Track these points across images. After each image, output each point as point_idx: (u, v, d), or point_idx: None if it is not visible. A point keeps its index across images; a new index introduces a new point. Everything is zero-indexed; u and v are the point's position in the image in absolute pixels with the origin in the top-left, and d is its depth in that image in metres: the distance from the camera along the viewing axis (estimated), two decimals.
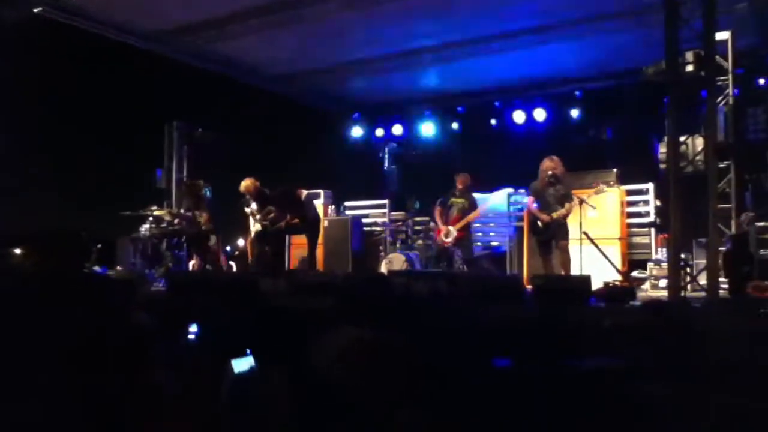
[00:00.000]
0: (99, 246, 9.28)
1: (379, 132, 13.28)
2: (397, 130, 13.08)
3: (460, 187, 9.15)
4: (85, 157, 9.30)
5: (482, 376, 2.71)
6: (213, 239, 9.53)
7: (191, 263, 9.50)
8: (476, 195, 10.97)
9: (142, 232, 9.38)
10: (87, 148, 9.32)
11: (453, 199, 9.08)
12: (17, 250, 8.58)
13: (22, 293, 3.39)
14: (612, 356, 3.07)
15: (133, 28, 9.49)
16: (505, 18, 9.09)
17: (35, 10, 8.32)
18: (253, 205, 9.43)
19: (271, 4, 8.66)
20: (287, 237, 10.09)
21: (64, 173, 9.16)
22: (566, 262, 7.78)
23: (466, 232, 9.05)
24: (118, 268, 9.35)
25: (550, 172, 7.93)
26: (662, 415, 2.32)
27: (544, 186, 7.99)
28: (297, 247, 11.50)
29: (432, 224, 9.79)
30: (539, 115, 11.80)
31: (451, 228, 8.87)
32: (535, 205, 8.06)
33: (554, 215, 7.82)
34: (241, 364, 2.63)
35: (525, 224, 9.19)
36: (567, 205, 7.87)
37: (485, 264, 10.09)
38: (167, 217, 9.45)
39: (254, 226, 9.50)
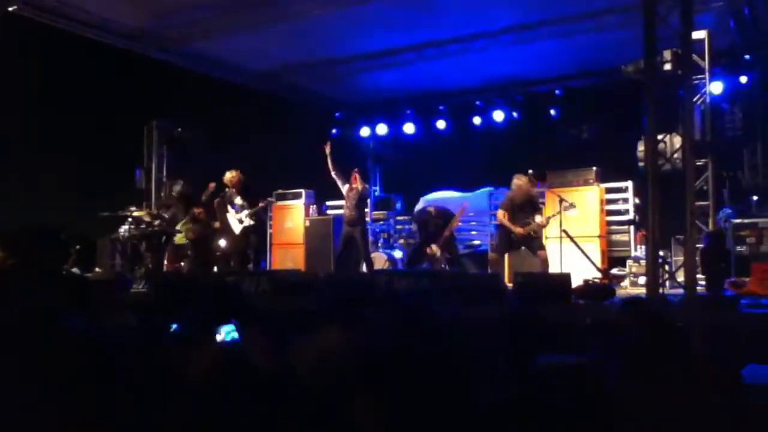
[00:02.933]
0: (78, 247, 9.19)
1: (363, 131, 13.27)
2: (381, 129, 13.08)
3: (436, 210, 9.18)
4: (64, 156, 9.21)
5: (459, 373, 2.72)
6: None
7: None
8: (456, 194, 11.02)
9: (122, 233, 9.31)
10: (66, 148, 9.23)
11: (430, 223, 9.10)
12: None
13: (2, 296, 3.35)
14: (589, 352, 3.11)
15: (112, 26, 9.37)
16: (485, 17, 9.11)
17: (9, 9, 8.21)
18: (237, 199, 9.37)
19: (252, 2, 8.61)
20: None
21: (42, 173, 9.06)
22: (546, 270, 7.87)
23: (449, 238, 9.08)
24: (97, 269, 9.27)
25: (521, 193, 8.03)
26: (632, 410, 2.35)
27: (515, 201, 8.06)
28: (279, 247, 11.49)
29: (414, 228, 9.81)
30: (519, 114, 11.86)
31: (435, 248, 8.87)
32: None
33: (528, 228, 7.90)
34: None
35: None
36: (539, 218, 7.96)
37: (466, 263, 10.13)
38: (146, 218, 9.38)
39: (236, 222, 9.43)
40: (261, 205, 9.49)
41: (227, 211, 9.43)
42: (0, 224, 8.48)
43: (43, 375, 2.22)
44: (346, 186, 9.14)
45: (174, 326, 2.87)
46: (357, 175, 9.04)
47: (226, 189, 9.43)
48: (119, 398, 2.11)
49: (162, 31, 9.55)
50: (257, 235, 9.68)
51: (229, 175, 9.26)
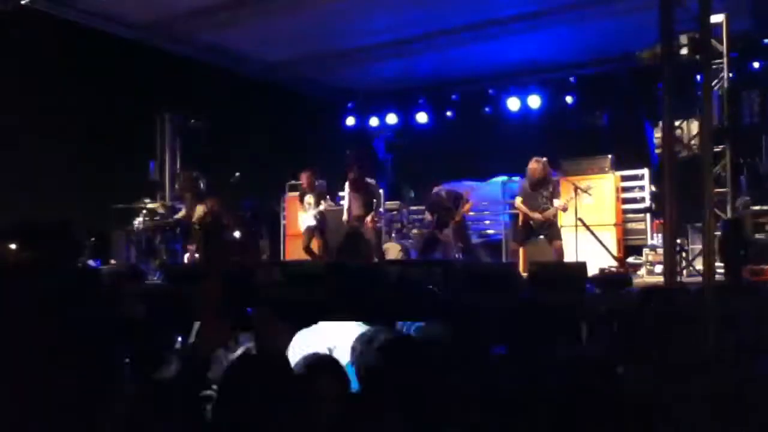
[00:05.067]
0: (93, 239, 9.24)
1: (374, 121, 13.21)
2: (392, 119, 13.01)
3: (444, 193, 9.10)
4: (78, 149, 9.24)
5: (476, 363, 2.69)
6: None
7: (186, 256, 9.45)
8: (469, 183, 10.93)
9: (136, 225, 9.34)
10: (79, 140, 9.26)
11: (440, 204, 9.02)
12: (11, 244, 8.54)
13: (15, 287, 3.36)
14: (604, 342, 3.06)
15: (123, 18, 9.39)
16: (498, 4, 9.03)
17: (22, 2, 8.23)
18: (309, 197, 9.51)
19: None
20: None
21: (56, 166, 9.10)
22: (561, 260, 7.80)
23: (460, 223, 9.02)
24: (112, 261, 9.31)
25: (537, 175, 7.94)
26: (644, 401, 2.30)
27: (532, 186, 7.99)
28: (292, 238, 11.48)
29: (427, 214, 9.73)
30: (534, 101, 11.75)
31: (447, 234, 8.80)
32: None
33: (546, 214, 7.83)
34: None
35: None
36: (557, 203, 7.88)
37: (480, 253, 10.07)
38: (161, 210, 9.41)
39: (303, 220, 9.58)
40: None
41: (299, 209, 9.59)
42: (13, 218, 8.52)
43: (52, 367, 2.22)
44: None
45: (179, 340, 2.86)
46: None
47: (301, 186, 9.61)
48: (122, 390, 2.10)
49: (172, 23, 9.54)
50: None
51: (303, 176, 9.53)
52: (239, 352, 2.94)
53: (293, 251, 11.20)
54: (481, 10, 9.23)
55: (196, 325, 2.72)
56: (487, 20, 9.56)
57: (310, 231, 9.54)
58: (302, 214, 9.69)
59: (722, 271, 6.12)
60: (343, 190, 9.41)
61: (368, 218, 8.74)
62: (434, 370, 2.54)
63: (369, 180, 9.08)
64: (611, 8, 8.77)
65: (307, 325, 3.49)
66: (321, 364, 2.43)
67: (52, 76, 8.73)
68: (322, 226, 9.45)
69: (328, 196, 9.65)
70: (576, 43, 10.33)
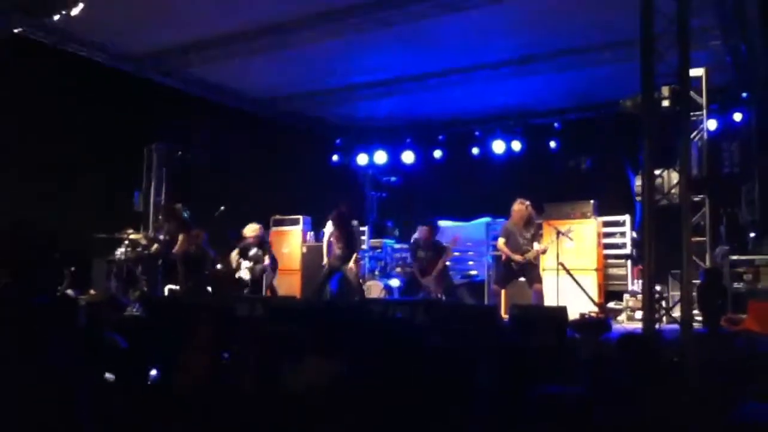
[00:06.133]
0: (73, 269, 9.14)
1: (361, 159, 13.31)
2: (379, 157, 13.12)
3: (425, 238, 9.11)
4: (62, 177, 9.20)
5: (455, 401, 2.70)
6: (219, 266, 9.47)
7: (167, 288, 9.37)
8: (453, 224, 11.00)
9: (118, 255, 9.28)
10: (64, 169, 9.23)
11: (419, 253, 9.05)
12: None
13: None
14: (582, 385, 3.08)
15: (114, 50, 9.47)
16: (485, 49, 9.21)
17: (15, 31, 8.28)
18: (253, 251, 9.45)
19: (253, 30, 8.70)
20: None
21: (40, 193, 9.04)
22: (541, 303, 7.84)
23: (442, 271, 9.04)
24: (92, 291, 9.21)
25: (521, 217, 8.05)
26: None
27: (515, 228, 8.07)
28: (283, 273, 11.44)
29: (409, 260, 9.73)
30: (518, 145, 11.91)
31: (428, 280, 8.83)
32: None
33: (527, 256, 7.90)
34: None
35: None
36: (537, 246, 7.96)
37: (463, 293, 10.09)
38: (143, 241, 9.36)
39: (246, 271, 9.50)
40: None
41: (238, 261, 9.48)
42: None
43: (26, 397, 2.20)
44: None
45: (153, 373, 2.84)
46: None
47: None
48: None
49: (161, 56, 9.64)
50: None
51: (251, 229, 9.39)
52: None
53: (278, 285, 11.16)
54: (469, 54, 9.41)
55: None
56: (474, 65, 9.74)
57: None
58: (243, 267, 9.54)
59: (700, 319, 6.19)
60: (324, 227, 9.41)
61: (352, 264, 8.83)
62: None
63: (352, 222, 9.14)
64: (596, 57, 8.97)
65: (291, 360, 3.47)
66: None
67: (40, 103, 8.74)
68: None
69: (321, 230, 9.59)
70: (561, 90, 10.54)
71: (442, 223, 11.20)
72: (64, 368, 2.57)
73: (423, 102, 11.34)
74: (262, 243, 9.55)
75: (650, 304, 5.44)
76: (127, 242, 9.30)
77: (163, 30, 8.85)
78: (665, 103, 7.02)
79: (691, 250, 5.72)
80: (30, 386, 2.29)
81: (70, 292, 8.58)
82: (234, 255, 9.47)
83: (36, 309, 3.30)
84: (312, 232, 11.72)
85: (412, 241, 9.36)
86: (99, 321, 4.63)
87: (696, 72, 7.34)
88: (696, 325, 5.80)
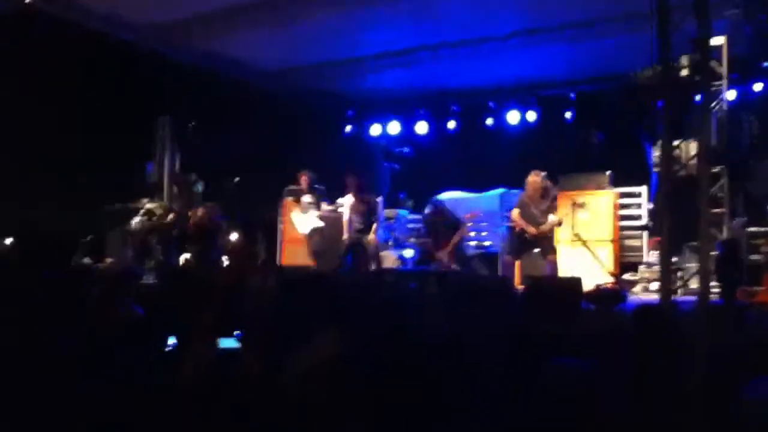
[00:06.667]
0: (89, 238, 9.22)
1: (374, 130, 13.23)
2: (393, 128, 13.04)
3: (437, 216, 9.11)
4: (76, 149, 9.24)
5: (463, 378, 2.69)
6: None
7: (182, 258, 9.44)
8: (467, 195, 10.94)
9: (133, 226, 9.33)
10: (79, 140, 9.26)
11: (434, 228, 9.03)
12: (6, 241, 8.54)
13: (9, 286, 3.36)
14: (596, 358, 3.07)
15: (126, 22, 9.42)
16: (499, 19, 9.08)
17: (26, 1, 8.25)
18: (307, 197, 9.53)
19: (262, 2, 8.62)
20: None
21: (53, 165, 9.10)
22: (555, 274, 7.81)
23: (457, 245, 9.02)
24: (108, 260, 9.30)
25: (536, 188, 7.98)
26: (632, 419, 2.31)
27: (530, 199, 8.01)
28: (289, 243, 11.46)
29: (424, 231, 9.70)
30: (532, 116, 11.79)
31: (442, 254, 8.80)
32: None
33: (541, 228, 7.85)
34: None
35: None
36: (552, 218, 7.90)
37: (476, 264, 10.07)
38: (158, 211, 9.40)
39: (302, 222, 9.52)
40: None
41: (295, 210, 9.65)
42: (12, 216, 8.52)
43: (42, 370, 2.22)
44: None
45: (172, 340, 2.86)
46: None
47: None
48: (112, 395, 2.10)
49: (171, 28, 9.58)
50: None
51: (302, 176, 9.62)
52: None
53: (290, 256, 11.20)
54: (483, 25, 9.27)
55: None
56: (488, 35, 9.61)
57: (316, 233, 9.52)
58: (300, 215, 9.65)
59: (717, 291, 6.15)
60: (340, 197, 9.43)
61: (371, 236, 8.92)
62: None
63: (369, 195, 9.16)
64: (611, 27, 8.82)
65: (303, 333, 3.48)
66: None
67: (52, 75, 8.74)
68: (325, 228, 9.46)
69: (327, 201, 9.63)
70: (575, 61, 10.38)
71: (456, 194, 11.16)
72: (75, 344, 2.59)
73: (436, 73, 11.22)
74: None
75: (667, 276, 5.41)
76: (142, 212, 9.35)
77: (172, 2, 8.78)
78: (684, 72, 6.90)
79: (708, 221, 5.66)
80: (41, 363, 2.31)
81: (86, 260, 8.68)
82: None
83: (47, 282, 3.33)
84: (325, 203, 11.72)
85: (425, 214, 9.34)
86: (115, 290, 4.67)
87: (716, 41, 7.18)
88: (713, 296, 5.77)
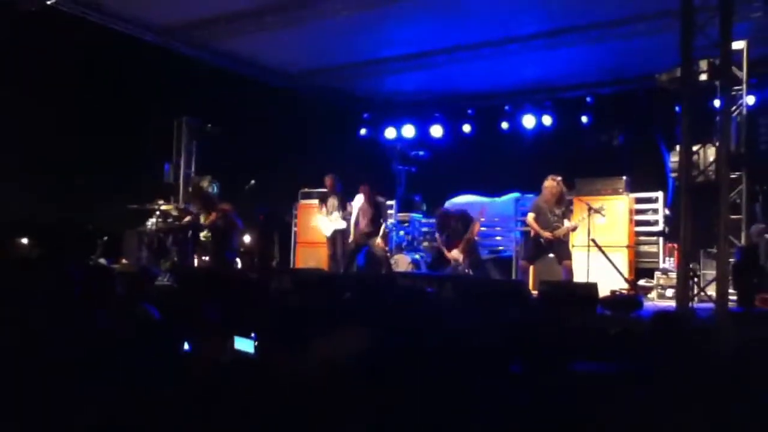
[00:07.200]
0: (105, 238, 9.30)
1: (389, 132, 13.24)
2: (408, 131, 13.03)
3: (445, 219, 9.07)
4: (94, 149, 9.32)
5: (476, 381, 2.68)
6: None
7: (197, 259, 9.49)
8: (481, 199, 10.91)
9: (149, 226, 9.40)
10: (96, 141, 9.34)
11: (445, 226, 8.98)
12: (24, 240, 8.63)
13: (27, 284, 3.38)
14: (613, 363, 3.04)
15: (145, 22, 9.48)
16: (517, 22, 9.04)
17: (48, 2, 8.33)
18: (332, 200, 9.58)
19: (283, 2, 8.64)
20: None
21: (72, 164, 9.18)
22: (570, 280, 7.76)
23: (469, 245, 8.97)
24: (124, 261, 9.36)
25: (552, 193, 7.94)
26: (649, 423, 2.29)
27: (546, 204, 7.97)
28: (303, 246, 11.49)
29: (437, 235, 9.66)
30: (548, 120, 11.74)
31: (456, 253, 8.75)
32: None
33: (556, 233, 7.81)
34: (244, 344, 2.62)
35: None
36: (568, 223, 7.86)
37: (490, 269, 10.03)
38: (174, 212, 9.46)
39: (327, 224, 9.60)
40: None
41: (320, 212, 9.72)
42: (30, 215, 8.61)
43: (64, 364, 2.23)
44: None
45: (186, 346, 2.86)
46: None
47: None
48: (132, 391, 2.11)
49: (192, 28, 9.62)
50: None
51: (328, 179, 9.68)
52: None
53: (304, 259, 11.23)
54: (500, 27, 9.24)
55: None
56: (505, 37, 9.57)
57: (338, 235, 9.53)
58: (323, 218, 9.67)
59: (735, 298, 6.08)
60: (352, 200, 9.43)
61: (380, 240, 8.97)
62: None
63: (379, 197, 9.17)
64: (630, 29, 8.75)
65: (317, 333, 3.49)
66: None
67: (72, 75, 8.82)
68: (347, 230, 9.47)
69: (350, 202, 9.64)
70: (593, 63, 10.32)
71: (470, 197, 11.14)
72: (108, 334, 2.60)
73: (452, 76, 11.20)
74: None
75: (685, 282, 5.36)
76: (158, 213, 9.41)
77: (191, 2, 8.84)
78: (703, 76, 6.84)
79: (727, 227, 5.60)
80: (52, 361, 2.32)
81: (102, 261, 8.75)
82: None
83: (73, 278, 3.35)
84: (349, 206, 11.72)
85: (437, 215, 9.33)
86: (132, 291, 4.70)
87: (737, 45, 7.11)
88: (730, 304, 5.71)
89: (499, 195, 11.15)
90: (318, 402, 2.27)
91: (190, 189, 10.44)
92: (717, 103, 6.72)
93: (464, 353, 2.97)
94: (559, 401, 2.54)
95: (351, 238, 9.19)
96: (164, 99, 10.16)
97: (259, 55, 10.79)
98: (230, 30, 9.43)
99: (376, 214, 9.03)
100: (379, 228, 8.98)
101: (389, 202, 11.98)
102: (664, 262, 9.35)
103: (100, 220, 9.50)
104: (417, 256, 10.40)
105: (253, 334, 2.70)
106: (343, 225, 9.47)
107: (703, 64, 6.79)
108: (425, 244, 10.89)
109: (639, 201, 9.65)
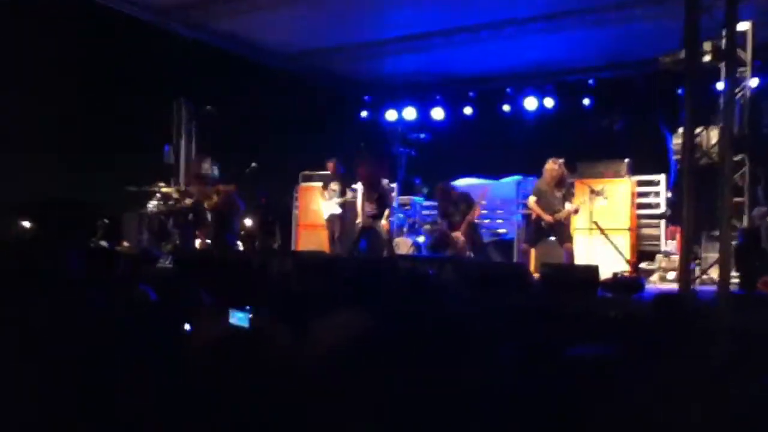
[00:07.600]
0: (106, 221, 9.28)
1: (390, 115, 13.18)
2: (409, 113, 12.97)
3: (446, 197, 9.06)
4: (93, 131, 9.27)
5: (483, 363, 2.67)
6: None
7: (198, 242, 9.48)
8: (483, 181, 10.86)
9: (149, 209, 9.38)
10: (95, 122, 9.30)
11: (447, 209, 8.96)
12: (25, 222, 8.62)
13: (26, 264, 3.37)
14: (613, 346, 3.03)
15: (145, 2, 9.40)
16: (518, 4, 8.96)
17: None
18: (333, 184, 9.66)
19: None
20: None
21: (71, 146, 9.14)
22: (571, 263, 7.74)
23: (471, 225, 8.96)
24: (125, 243, 9.35)
25: (553, 176, 7.90)
26: (651, 407, 2.28)
27: (547, 187, 7.94)
28: (304, 228, 11.48)
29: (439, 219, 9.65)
30: (550, 102, 11.68)
31: (456, 235, 8.72)
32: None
33: (558, 216, 7.78)
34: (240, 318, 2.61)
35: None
36: (569, 206, 7.83)
37: (492, 252, 10.02)
38: (175, 195, 9.44)
39: (325, 208, 9.68)
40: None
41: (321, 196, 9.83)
42: (29, 197, 8.58)
43: (62, 344, 2.22)
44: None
45: (187, 327, 2.85)
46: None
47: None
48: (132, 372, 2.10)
49: (190, 8, 9.53)
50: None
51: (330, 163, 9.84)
52: None
53: (305, 241, 11.22)
54: (501, 9, 9.16)
55: None
56: (506, 20, 9.49)
57: (335, 219, 9.60)
58: (324, 202, 9.76)
59: (737, 281, 6.07)
60: (354, 183, 9.43)
61: (384, 222, 8.99)
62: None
63: (382, 180, 9.17)
64: (632, 12, 8.68)
65: (317, 315, 3.48)
66: None
67: (70, 55, 8.76)
68: (345, 215, 9.54)
69: (353, 186, 9.67)
70: (595, 46, 10.24)
71: (472, 180, 11.09)
72: (101, 321, 2.59)
73: (453, 58, 11.12)
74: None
75: (687, 265, 5.34)
76: (158, 195, 9.39)
77: None
78: (707, 58, 6.77)
79: (730, 210, 5.57)
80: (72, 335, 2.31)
81: (103, 243, 8.74)
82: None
83: (75, 260, 3.34)
84: (351, 190, 11.69)
85: (437, 190, 9.33)
86: (130, 272, 4.69)
87: (742, 26, 7.04)
88: (732, 286, 5.69)
89: (500, 178, 11.11)
90: (313, 379, 2.26)
91: (193, 169, 10.42)
92: (720, 85, 6.67)
93: (464, 336, 2.96)
94: (558, 384, 2.53)
95: (358, 221, 9.23)
96: (163, 79, 10.10)
97: (257, 36, 10.69)
98: (228, 10, 9.34)
99: (380, 197, 9.04)
100: (384, 210, 8.99)
101: (390, 185, 11.97)
102: (665, 244, 9.34)
103: (100, 201, 9.46)
104: (418, 239, 10.39)
105: (248, 307, 2.68)
106: (338, 210, 9.54)
107: (707, 46, 6.73)
108: (426, 227, 10.87)
109: (641, 184, 9.61)
